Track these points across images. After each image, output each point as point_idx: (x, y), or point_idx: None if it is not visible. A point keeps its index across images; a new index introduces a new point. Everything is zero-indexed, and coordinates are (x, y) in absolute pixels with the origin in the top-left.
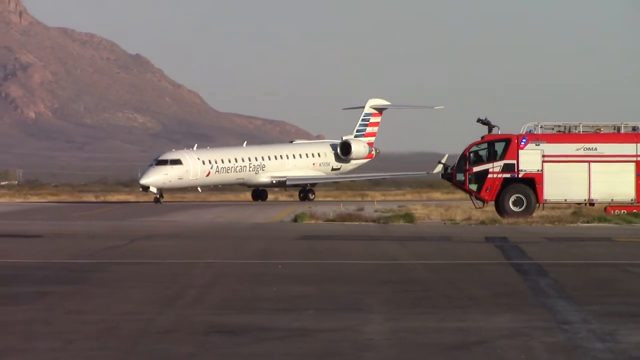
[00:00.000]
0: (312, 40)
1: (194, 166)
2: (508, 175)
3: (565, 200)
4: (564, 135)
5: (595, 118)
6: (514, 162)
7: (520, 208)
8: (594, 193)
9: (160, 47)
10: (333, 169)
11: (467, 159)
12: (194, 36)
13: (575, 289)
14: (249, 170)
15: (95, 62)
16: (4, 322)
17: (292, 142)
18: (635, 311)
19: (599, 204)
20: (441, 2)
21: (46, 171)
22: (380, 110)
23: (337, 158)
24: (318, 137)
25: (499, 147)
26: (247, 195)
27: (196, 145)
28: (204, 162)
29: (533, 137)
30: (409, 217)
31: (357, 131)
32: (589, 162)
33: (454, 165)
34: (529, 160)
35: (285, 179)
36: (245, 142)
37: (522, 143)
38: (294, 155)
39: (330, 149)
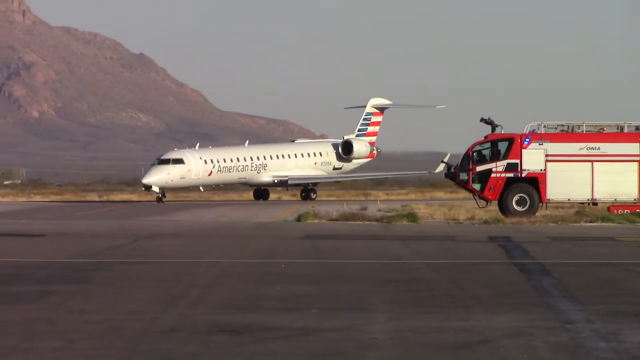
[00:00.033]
0: (313, 40)
1: (196, 165)
2: (511, 175)
3: (569, 199)
4: (567, 134)
5: (596, 118)
6: (517, 161)
7: (523, 207)
8: (597, 193)
9: (164, 47)
10: (335, 169)
11: (471, 158)
12: (198, 35)
13: (579, 288)
14: (251, 170)
15: (99, 62)
16: (6, 321)
17: (293, 141)
18: (638, 311)
19: (602, 204)
20: (441, 2)
21: (49, 170)
22: (381, 109)
23: (339, 157)
24: (321, 137)
25: (502, 146)
26: (250, 195)
27: (198, 144)
28: (206, 162)
29: (536, 137)
30: (412, 217)
31: (359, 130)
32: (592, 161)
33: (457, 165)
34: (532, 159)
35: (287, 178)
36: (247, 141)
37: (526, 142)
38: (295, 155)
39: (332, 149)
